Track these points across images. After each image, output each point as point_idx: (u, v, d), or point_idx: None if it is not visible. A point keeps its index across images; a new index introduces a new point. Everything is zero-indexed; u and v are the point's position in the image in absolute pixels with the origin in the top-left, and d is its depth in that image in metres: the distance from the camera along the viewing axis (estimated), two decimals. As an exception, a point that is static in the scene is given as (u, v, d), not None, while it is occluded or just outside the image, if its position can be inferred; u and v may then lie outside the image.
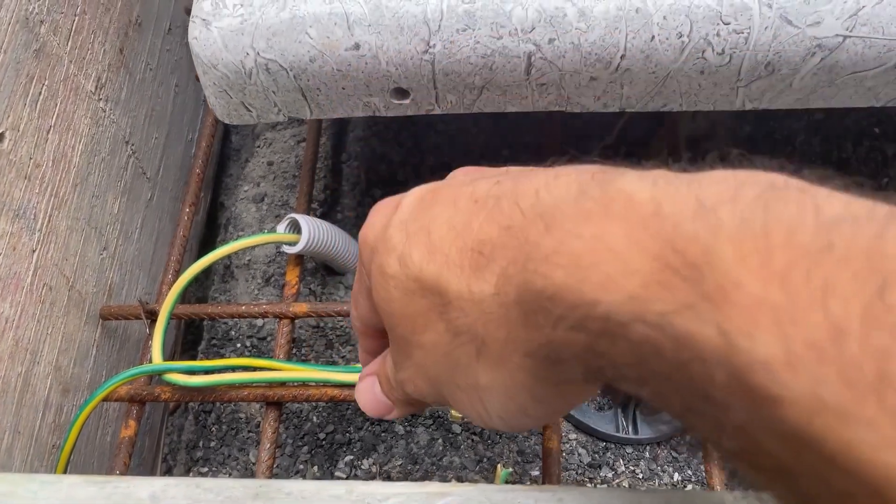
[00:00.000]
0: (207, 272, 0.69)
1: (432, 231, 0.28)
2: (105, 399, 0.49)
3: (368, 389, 0.35)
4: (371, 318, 0.34)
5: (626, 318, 0.20)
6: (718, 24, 0.40)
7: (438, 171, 0.68)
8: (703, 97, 0.43)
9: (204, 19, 0.42)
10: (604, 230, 0.22)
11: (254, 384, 0.49)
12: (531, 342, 0.25)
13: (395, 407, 0.34)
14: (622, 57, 0.41)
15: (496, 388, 0.28)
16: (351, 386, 0.48)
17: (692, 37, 0.40)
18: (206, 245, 0.67)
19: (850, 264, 0.17)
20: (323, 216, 0.63)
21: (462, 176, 0.32)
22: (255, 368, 0.49)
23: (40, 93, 0.48)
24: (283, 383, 0.49)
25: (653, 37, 0.40)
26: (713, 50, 0.40)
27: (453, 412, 0.46)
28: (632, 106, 0.45)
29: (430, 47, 0.41)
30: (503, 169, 0.30)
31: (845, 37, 0.40)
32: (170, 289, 0.52)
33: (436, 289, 0.27)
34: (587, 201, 0.23)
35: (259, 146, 0.68)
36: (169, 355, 0.64)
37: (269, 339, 0.60)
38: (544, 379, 0.27)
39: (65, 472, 0.48)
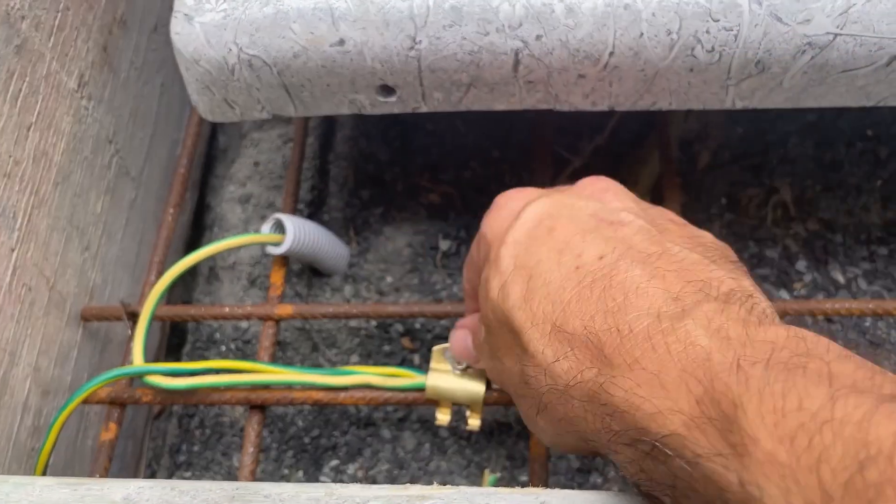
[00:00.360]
0: (193, 274, 0.68)
1: (532, 277, 0.32)
2: (85, 402, 0.48)
3: (462, 339, 0.43)
4: (476, 287, 0.39)
5: (669, 450, 0.25)
6: (708, 20, 0.39)
7: (427, 172, 0.67)
8: (692, 95, 0.43)
9: (186, 14, 0.42)
10: (662, 368, 0.26)
11: (237, 387, 0.48)
12: (585, 434, 0.29)
13: (480, 359, 0.40)
14: (611, 54, 0.40)
15: (548, 433, 0.33)
16: (335, 389, 0.47)
17: (681, 34, 0.40)
18: (192, 246, 0.66)
19: (843, 438, 0.20)
20: (309, 217, 0.62)
21: (585, 202, 0.35)
22: (237, 371, 0.48)
23: (21, 89, 0.47)
24: (266, 386, 0.48)
25: (641, 34, 0.40)
26: (703, 47, 0.40)
27: (439, 416, 0.45)
28: (621, 104, 0.44)
29: (416, 43, 0.41)
30: (624, 217, 0.33)
31: (836, 34, 0.39)
32: (152, 290, 0.51)
33: (519, 335, 0.31)
34: (657, 334, 0.27)
35: (246, 146, 0.67)
36: (153, 358, 0.63)
37: (254, 341, 0.59)
38: (587, 450, 0.32)
39: (43, 475, 0.47)
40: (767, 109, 0.44)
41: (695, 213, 0.62)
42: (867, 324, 0.57)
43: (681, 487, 0.25)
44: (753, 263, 0.60)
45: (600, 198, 0.36)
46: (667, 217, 0.36)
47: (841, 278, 0.58)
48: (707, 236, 0.34)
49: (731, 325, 0.26)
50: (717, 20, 0.39)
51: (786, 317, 0.55)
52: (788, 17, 0.39)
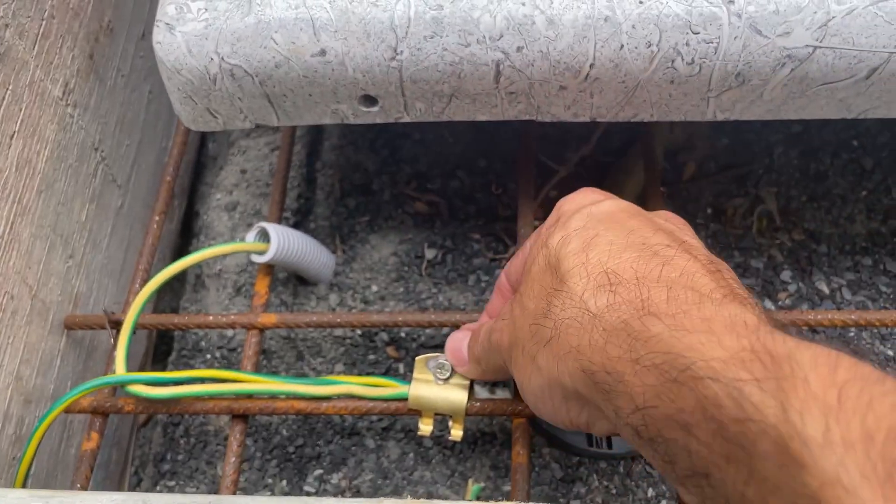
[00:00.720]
0: (181, 282, 0.68)
1: (597, 236, 0.34)
2: (67, 411, 0.48)
3: (458, 340, 0.44)
4: (516, 276, 0.42)
5: (702, 373, 0.26)
6: (688, 33, 0.39)
7: (414, 181, 0.67)
8: (673, 107, 0.43)
9: (168, 24, 0.42)
10: (713, 319, 0.28)
11: (219, 396, 0.48)
12: (591, 364, 0.31)
13: (469, 363, 0.43)
14: (591, 66, 0.41)
15: (542, 377, 0.34)
16: (318, 399, 0.47)
17: (661, 46, 0.40)
18: (180, 254, 0.66)
19: (892, 397, 0.22)
20: (296, 225, 0.62)
21: (665, 221, 0.38)
22: (220, 380, 0.48)
23: (4, 97, 0.47)
24: (249, 395, 0.48)
25: (622, 46, 0.40)
26: (683, 60, 0.40)
27: (422, 427, 0.45)
28: (602, 116, 0.44)
29: (397, 54, 0.41)
30: (690, 242, 0.36)
31: (815, 47, 0.39)
32: (135, 298, 0.51)
33: (562, 275, 0.34)
34: (706, 302, 0.29)
35: (233, 154, 0.67)
36: (140, 367, 0.63)
37: (239, 350, 0.59)
38: (576, 400, 0.34)
39: (24, 485, 0.47)
40: (752, 120, 0.44)
41: (680, 222, 0.62)
42: (851, 334, 0.57)
43: (699, 414, 0.26)
44: (739, 273, 0.60)
45: (674, 222, 0.39)
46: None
47: (825, 288, 0.59)
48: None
49: (769, 314, 0.29)
50: (697, 32, 0.39)
51: (769, 327, 0.55)
52: (768, 29, 0.39)
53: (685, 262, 0.32)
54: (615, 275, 0.32)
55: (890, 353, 0.56)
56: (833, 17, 0.39)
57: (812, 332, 0.57)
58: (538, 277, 0.36)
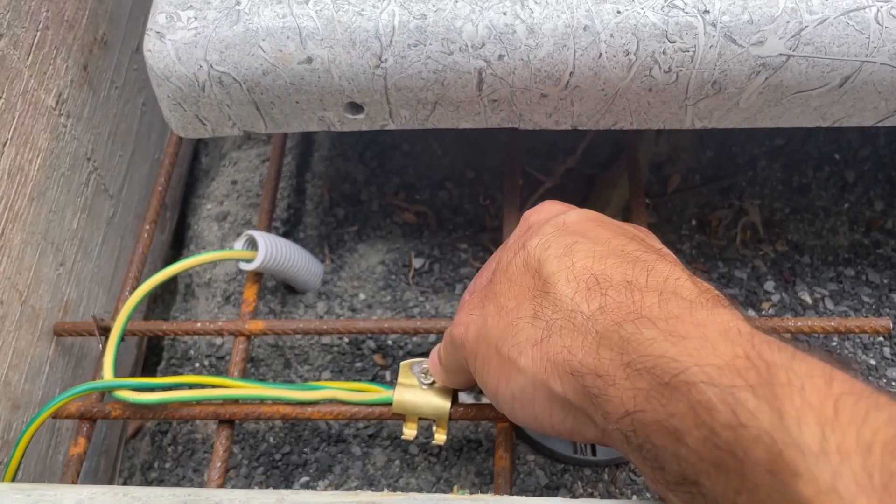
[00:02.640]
0: (171, 291, 0.69)
1: (577, 243, 0.34)
2: (54, 416, 0.48)
3: (436, 347, 0.44)
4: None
5: (696, 378, 0.25)
6: (664, 42, 0.40)
7: (402, 191, 0.68)
8: (652, 115, 0.44)
9: (158, 32, 0.43)
10: (706, 325, 0.27)
11: (206, 401, 0.48)
12: (582, 366, 0.30)
13: (436, 367, 0.43)
14: (571, 74, 0.42)
15: (526, 378, 0.33)
16: (303, 404, 0.47)
17: (639, 54, 0.41)
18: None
19: (888, 410, 0.22)
20: (285, 235, 0.63)
21: (633, 229, 0.38)
22: (206, 386, 0.48)
23: (-3, 105, 0.48)
24: (236, 401, 0.49)
25: (600, 54, 0.41)
26: (660, 68, 0.41)
27: (406, 431, 0.46)
28: (583, 124, 0.45)
29: (381, 62, 0.42)
30: (666, 250, 0.37)
31: (789, 56, 0.40)
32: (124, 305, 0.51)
33: (546, 279, 0.33)
34: (698, 307, 0.29)
35: (224, 165, 0.68)
36: (129, 375, 0.63)
37: (227, 358, 0.60)
38: (561, 405, 0.33)
39: (9, 489, 0.47)
40: (736, 133, 0.45)
41: (665, 233, 0.63)
42: (834, 343, 0.57)
43: (690, 419, 0.25)
44: (722, 283, 0.60)
45: (642, 231, 0.40)
46: None
47: (808, 299, 0.59)
48: None
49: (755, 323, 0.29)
50: (674, 41, 0.40)
51: (752, 335, 0.55)
52: (742, 38, 0.40)
53: (668, 269, 0.32)
54: (605, 278, 0.32)
55: (872, 362, 0.57)
56: (805, 27, 0.40)
57: (795, 340, 0.58)
58: (516, 278, 0.35)
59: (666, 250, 0.36)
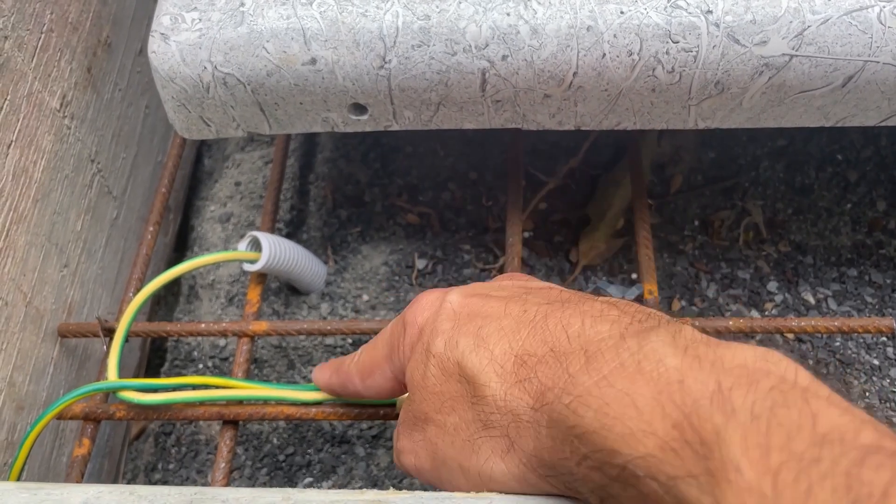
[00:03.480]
0: (175, 293, 0.69)
1: (482, 327, 0.32)
2: (59, 417, 0.48)
3: (322, 369, 0.42)
4: (376, 393, 0.40)
5: (640, 472, 0.24)
6: (668, 42, 0.40)
7: (405, 193, 0.68)
8: (655, 115, 0.44)
9: (163, 33, 0.43)
10: (633, 388, 0.25)
11: (209, 402, 0.48)
12: (555, 465, 0.29)
13: (400, 439, 0.37)
14: (574, 74, 0.42)
15: (508, 485, 0.31)
16: (309, 405, 0.47)
17: (642, 55, 0.41)
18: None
19: (832, 480, 0.20)
20: (288, 236, 0.63)
21: (509, 281, 0.36)
22: (210, 386, 0.48)
23: (1, 108, 0.48)
24: (240, 402, 0.49)
25: (604, 54, 0.41)
26: (663, 68, 0.41)
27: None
28: (586, 124, 0.45)
29: (385, 63, 0.42)
30: (548, 286, 0.35)
31: (791, 56, 0.40)
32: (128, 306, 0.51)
33: (474, 380, 0.31)
34: (624, 351, 0.27)
35: (228, 167, 0.68)
36: (133, 377, 0.64)
37: (231, 359, 0.60)
38: (547, 488, 0.31)
39: (14, 490, 0.47)
40: (738, 133, 0.45)
41: (668, 234, 0.63)
42: (837, 343, 0.57)
43: None
44: (725, 284, 0.60)
45: (517, 278, 0.38)
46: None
47: (811, 299, 0.59)
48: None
49: (696, 343, 0.26)
50: (677, 42, 0.40)
51: (755, 335, 0.56)
52: (745, 38, 0.40)
53: (577, 307, 0.30)
54: (528, 356, 0.30)
55: (875, 362, 0.57)
56: (808, 27, 0.40)
57: (799, 341, 0.58)
58: (440, 389, 0.32)
59: (554, 288, 0.34)
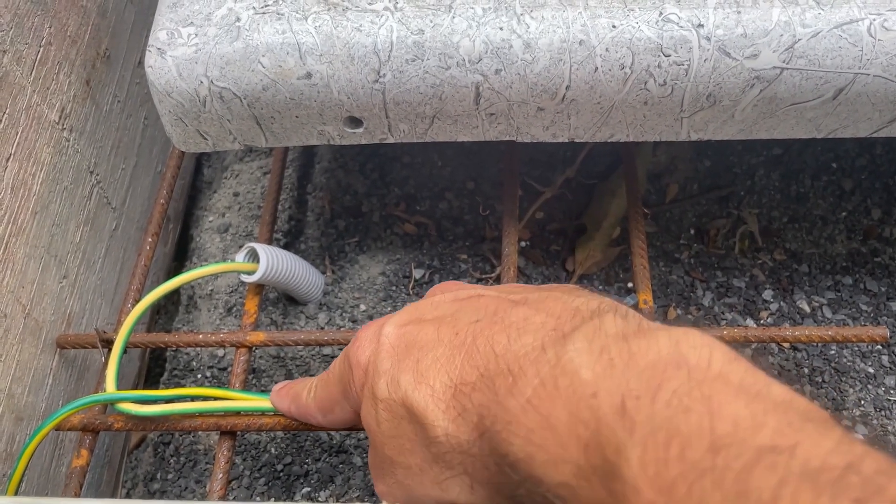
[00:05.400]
0: (175, 303, 0.69)
1: (420, 360, 0.31)
2: (57, 428, 0.48)
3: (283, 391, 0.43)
4: (339, 425, 0.40)
5: (561, 500, 0.25)
6: (659, 55, 0.41)
7: (403, 203, 0.68)
8: (648, 127, 0.44)
9: (159, 48, 0.43)
10: (552, 410, 0.26)
11: (207, 413, 0.48)
12: (508, 488, 0.29)
13: (379, 486, 0.37)
14: (567, 88, 0.42)
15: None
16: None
17: (634, 68, 0.41)
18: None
19: (722, 488, 0.20)
20: (286, 246, 0.63)
21: (440, 295, 0.36)
22: (209, 398, 0.48)
23: (0, 121, 0.48)
24: (237, 412, 0.49)
25: (596, 68, 0.41)
26: (655, 81, 0.41)
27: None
28: (580, 136, 0.45)
29: (380, 77, 0.42)
30: (479, 291, 0.35)
31: (782, 69, 0.41)
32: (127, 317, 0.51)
33: (422, 420, 0.30)
34: (544, 365, 0.27)
35: (226, 177, 0.69)
36: (132, 387, 0.64)
37: (229, 369, 0.60)
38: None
39: (13, 502, 0.47)
40: (733, 142, 0.45)
41: (664, 243, 0.63)
42: (832, 352, 0.58)
43: None
44: (721, 292, 0.61)
45: (448, 289, 0.37)
46: (515, 286, 0.37)
47: (806, 307, 0.60)
48: (557, 285, 0.35)
49: (612, 342, 0.26)
50: (669, 55, 0.41)
51: (751, 345, 0.56)
52: (736, 52, 0.41)
53: (503, 322, 0.30)
54: (464, 384, 0.30)
55: (870, 370, 0.57)
56: (799, 40, 0.40)
57: (794, 349, 0.58)
58: (394, 433, 0.32)
59: (484, 294, 0.34)
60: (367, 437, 0.56)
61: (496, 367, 0.29)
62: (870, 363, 0.57)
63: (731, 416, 0.22)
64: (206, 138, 0.47)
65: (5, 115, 0.48)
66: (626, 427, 0.23)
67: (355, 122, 0.45)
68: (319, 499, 0.54)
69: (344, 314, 0.61)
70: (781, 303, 0.60)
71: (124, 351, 0.51)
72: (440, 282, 0.62)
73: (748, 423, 0.22)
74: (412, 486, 0.33)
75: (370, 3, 0.42)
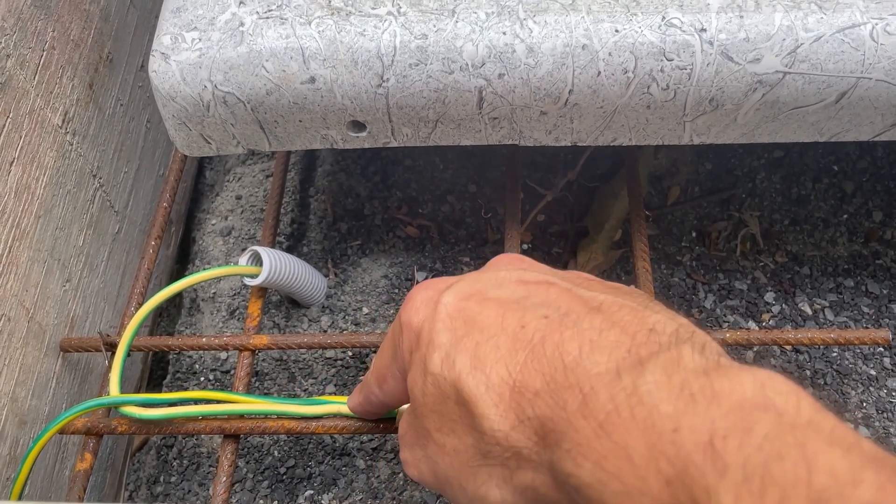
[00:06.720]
0: (177, 306, 0.69)
1: (479, 344, 0.30)
2: (61, 432, 0.49)
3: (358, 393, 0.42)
4: (397, 398, 0.39)
5: None
6: (662, 60, 0.41)
7: (405, 205, 0.68)
8: (651, 131, 0.44)
9: (163, 53, 0.43)
10: (629, 439, 0.25)
11: (211, 417, 0.48)
12: (548, 499, 0.28)
13: (403, 451, 0.37)
14: (570, 92, 0.42)
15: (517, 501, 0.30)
16: (308, 418, 0.48)
17: (637, 72, 0.41)
18: (176, 280, 0.67)
19: None
20: (288, 249, 0.63)
21: (505, 272, 0.34)
22: (212, 401, 0.48)
23: (4, 125, 0.48)
24: (241, 416, 0.49)
25: (599, 72, 0.41)
26: (658, 85, 0.42)
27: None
28: (583, 140, 0.46)
29: (383, 81, 0.42)
30: (548, 277, 0.33)
31: (785, 73, 0.41)
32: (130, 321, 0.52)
33: (471, 407, 0.30)
34: (619, 392, 0.26)
35: (229, 180, 0.69)
36: (135, 390, 0.64)
37: (232, 371, 0.60)
38: None
39: (17, 505, 0.47)
40: (735, 145, 0.45)
41: (665, 245, 0.63)
42: (834, 354, 0.58)
43: None
44: (723, 295, 0.61)
45: (517, 266, 0.36)
46: (582, 276, 0.36)
47: (808, 310, 0.60)
48: (622, 286, 0.34)
49: (692, 377, 0.25)
50: (671, 59, 0.41)
51: (752, 347, 0.56)
52: (739, 56, 0.41)
53: (573, 329, 0.29)
54: (526, 388, 0.29)
55: (872, 372, 0.57)
56: (801, 44, 0.40)
57: (796, 352, 0.58)
58: (438, 409, 0.32)
59: (554, 284, 0.32)
60: (370, 441, 0.56)
61: (564, 380, 0.28)
62: (872, 365, 0.57)
63: (828, 467, 0.21)
64: (209, 142, 0.47)
65: (9, 120, 0.48)
66: (717, 468, 0.22)
67: (359, 126, 0.45)
68: (322, 502, 0.54)
69: (347, 317, 0.61)
70: (783, 305, 0.60)
71: (128, 354, 0.51)
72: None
73: (847, 478, 0.21)
74: (440, 465, 0.32)
75: (373, 8, 0.42)
